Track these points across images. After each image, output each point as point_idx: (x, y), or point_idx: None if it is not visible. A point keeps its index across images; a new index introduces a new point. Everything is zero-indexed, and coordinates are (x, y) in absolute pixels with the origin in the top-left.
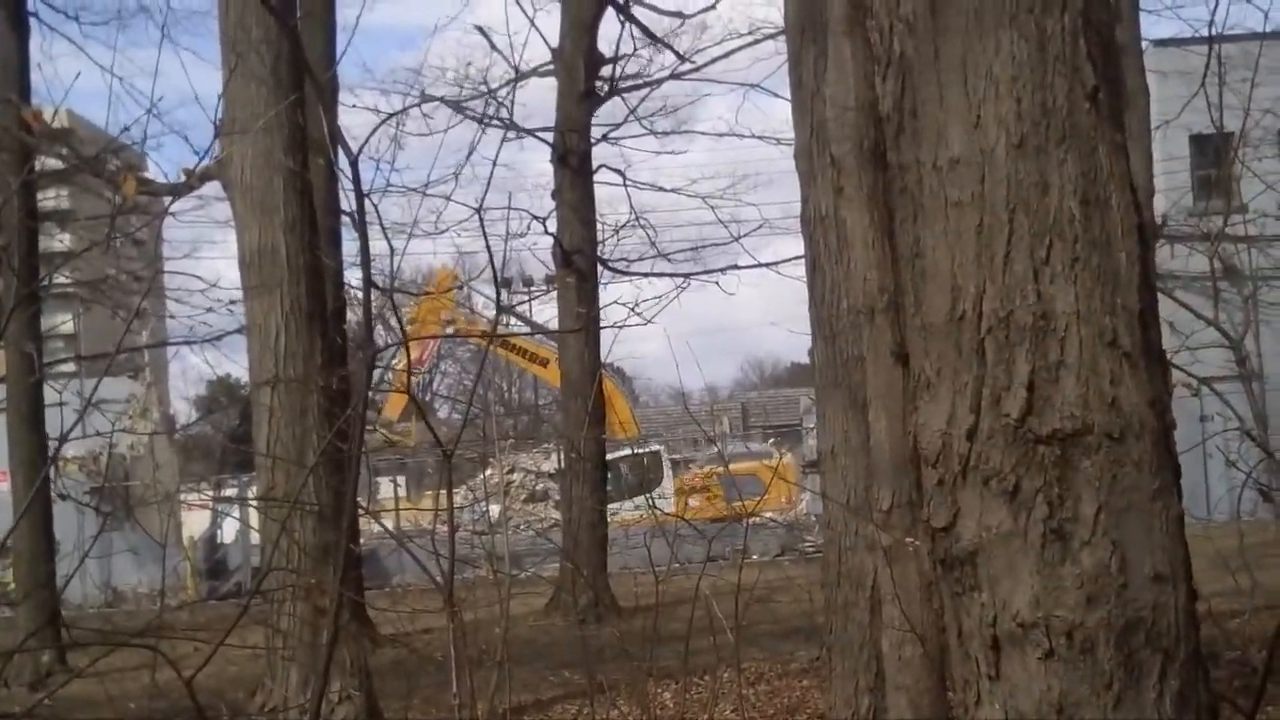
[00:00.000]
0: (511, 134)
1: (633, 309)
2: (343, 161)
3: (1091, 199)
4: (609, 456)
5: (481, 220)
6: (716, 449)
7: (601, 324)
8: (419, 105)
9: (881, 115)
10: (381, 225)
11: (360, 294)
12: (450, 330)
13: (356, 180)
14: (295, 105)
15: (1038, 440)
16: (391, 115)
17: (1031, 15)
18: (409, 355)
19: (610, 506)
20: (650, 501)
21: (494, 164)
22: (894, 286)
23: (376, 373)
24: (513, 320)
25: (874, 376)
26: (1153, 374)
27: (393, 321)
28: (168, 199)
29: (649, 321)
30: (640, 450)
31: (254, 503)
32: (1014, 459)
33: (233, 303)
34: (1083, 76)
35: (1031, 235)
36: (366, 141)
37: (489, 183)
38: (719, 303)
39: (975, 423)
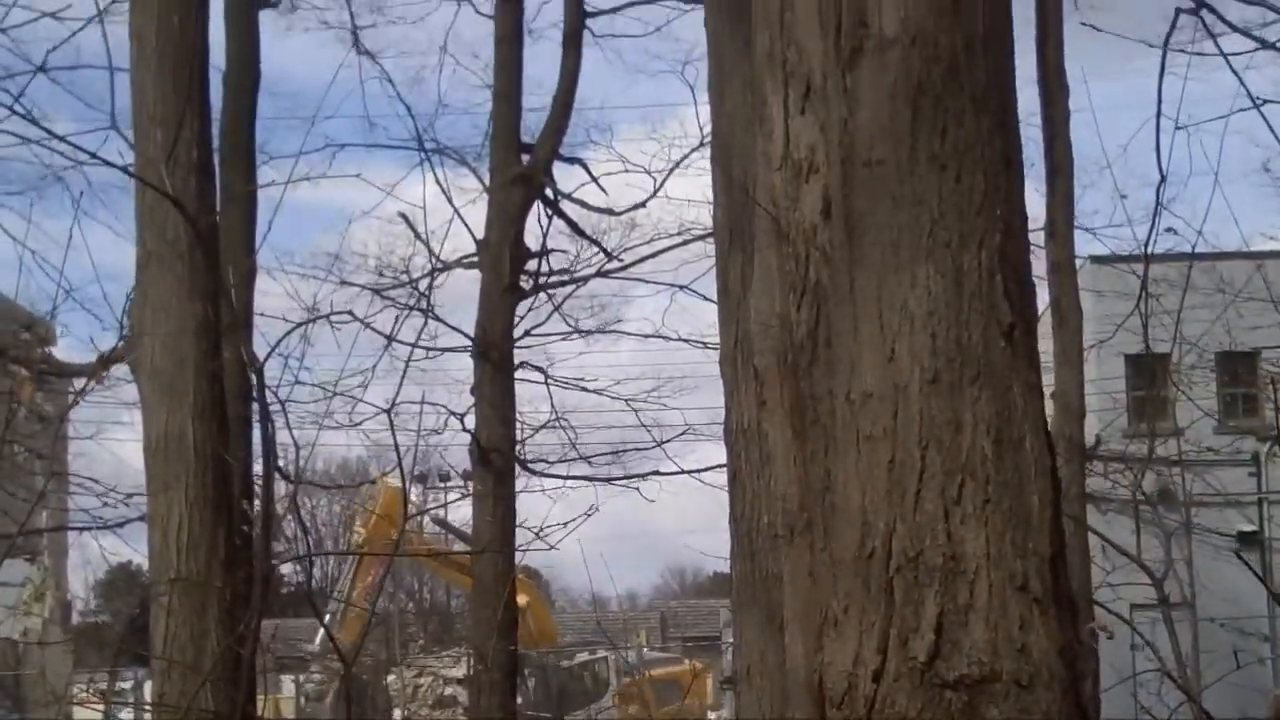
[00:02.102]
0: (431, 329)
1: (537, 534)
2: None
3: (1005, 439)
4: (564, 664)
5: (392, 424)
6: (628, 659)
7: (516, 541)
8: (328, 317)
9: (796, 343)
10: (288, 423)
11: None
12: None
13: (261, 392)
14: (209, 292)
15: (945, 685)
16: (299, 325)
17: (948, 250)
18: (309, 573)
19: None
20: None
21: (407, 363)
22: None
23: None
24: (428, 522)
25: (791, 599)
26: (1063, 621)
27: (305, 516)
28: (76, 381)
29: (552, 547)
30: (590, 658)
31: (147, 707)
32: (920, 704)
33: (130, 496)
34: (999, 314)
35: (944, 474)
36: (272, 352)
37: (401, 382)
38: (641, 506)
39: (882, 664)
